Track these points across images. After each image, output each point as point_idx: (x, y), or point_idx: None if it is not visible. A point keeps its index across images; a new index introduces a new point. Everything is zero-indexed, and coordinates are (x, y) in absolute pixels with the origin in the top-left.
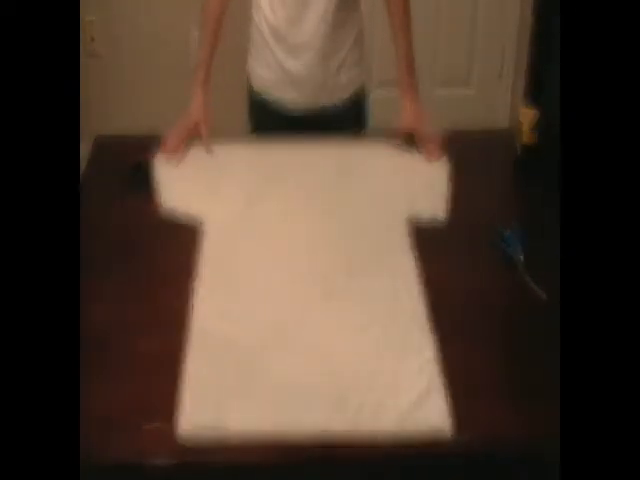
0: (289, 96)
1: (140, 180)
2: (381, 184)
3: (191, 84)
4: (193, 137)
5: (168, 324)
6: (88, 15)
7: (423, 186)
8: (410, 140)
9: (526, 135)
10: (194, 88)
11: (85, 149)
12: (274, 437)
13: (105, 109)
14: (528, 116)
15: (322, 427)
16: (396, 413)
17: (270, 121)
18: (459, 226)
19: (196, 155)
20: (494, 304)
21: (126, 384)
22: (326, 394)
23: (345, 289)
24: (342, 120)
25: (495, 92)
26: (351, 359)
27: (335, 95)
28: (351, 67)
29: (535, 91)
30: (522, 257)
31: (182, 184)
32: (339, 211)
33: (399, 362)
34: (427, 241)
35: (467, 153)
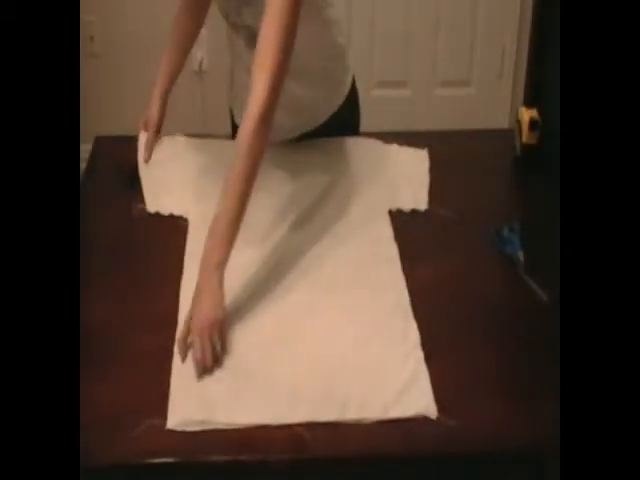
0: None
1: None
2: (363, 177)
3: (155, 89)
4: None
5: (168, 324)
6: (88, 15)
7: (404, 178)
8: None
9: (526, 135)
10: (154, 95)
11: (85, 149)
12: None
13: (105, 109)
14: (528, 116)
15: (309, 419)
16: (382, 401)
17: None
18: (459, 226)
19: (178, 155)
20: (494, 304)
21: (126, 384)
22: (312, 385)
23: (329, 281)
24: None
25: (495, 92)
26: (336, 349)
27: (317, 119)
28: (327, 87)
29: (535, 91)
30: (522, 257)
31: (166, 185)
32: (322, 204)
33: (384, 350)
34: (427, 241)
35: (467, 153)
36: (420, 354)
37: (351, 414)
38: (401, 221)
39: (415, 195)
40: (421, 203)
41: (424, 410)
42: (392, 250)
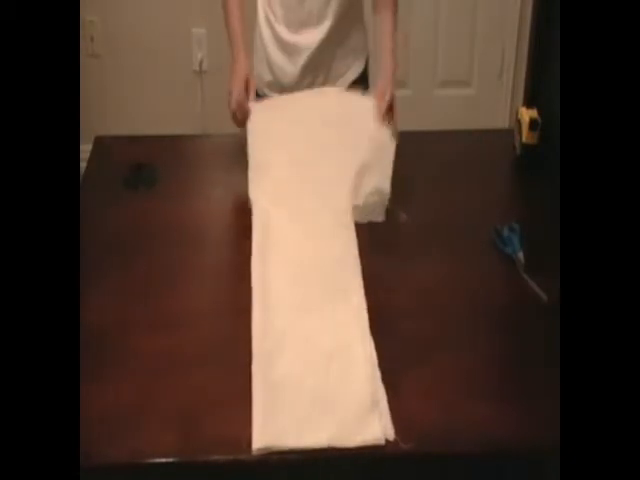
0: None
1: (140, 180)
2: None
3: (231, 50)
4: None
5: (167, 324)
6: (88, 15)
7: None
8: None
9: (526, 135)
10: (236, 52)
11: (85, 149)
12: None
13: (105, 109)
14: (528, 116)
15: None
16: (337, 425)
17: None
18: (459, 226)
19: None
20: (494, 304)
21: (126, 384)
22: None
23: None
24: None
25: (495, 92)
26: (301, 374)
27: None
28: (348, 56)
29: (535, 91)
30: (522, 257)
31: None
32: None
33: (345, 373)
34: (427, 241)
35: (467, 153)
36: (378, 376)
37: (308, 439)
38: (400, 221)
39: (378, 179)
40: (384, 187)
41: (380, 437)
42: (352, 251)
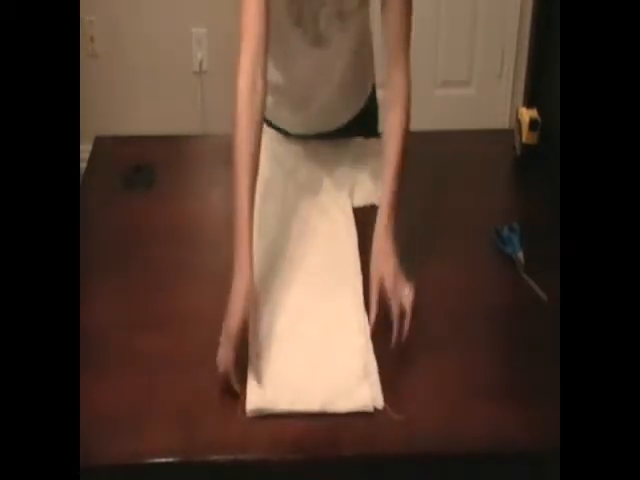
0: (286, 123)
1: (139, 180)
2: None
3: (233, 244)
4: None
5: (168, 324)
6: (88, 15)
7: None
8: None
9: (526, 135)
10: (239, 251)
11: (85, 149)
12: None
13: (105, 109)
14: (528, 116)
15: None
16: (328, 391)
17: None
18: (459, 226)
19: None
20: (494, 304)
21: (126, 384)
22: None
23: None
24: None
25: (495, 92)
26: (295, 341)
27: (340, 120)
28: (356, 88)
29: (535, 91)
30: (522, 257)
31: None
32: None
33: (339, 343)
34: (427, 241)
35: (467, 153)
36: (371, 349)
37: (296, 404)
38: (401, 220)
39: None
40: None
41: (367, 406)
42: (352, 241)
